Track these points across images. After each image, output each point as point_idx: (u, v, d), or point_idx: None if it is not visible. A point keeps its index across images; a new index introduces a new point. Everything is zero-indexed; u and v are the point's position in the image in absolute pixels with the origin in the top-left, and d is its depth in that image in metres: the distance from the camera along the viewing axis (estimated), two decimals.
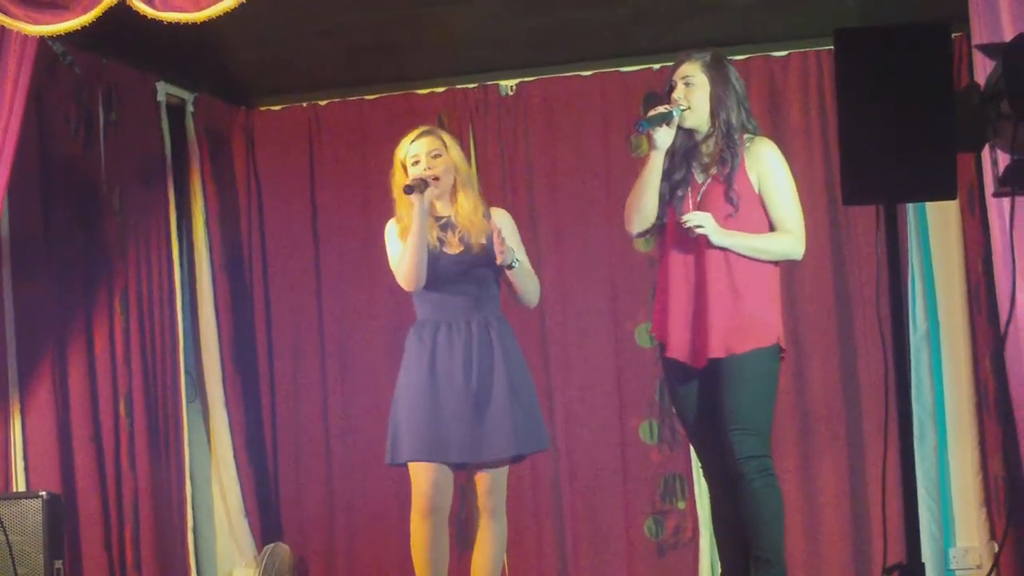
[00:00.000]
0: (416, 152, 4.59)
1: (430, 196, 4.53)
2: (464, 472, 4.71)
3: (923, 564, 3.14)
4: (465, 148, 6.13)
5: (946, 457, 5.79)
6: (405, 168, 4.61)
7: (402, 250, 4.56)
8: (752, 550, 4.26)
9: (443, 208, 4.65)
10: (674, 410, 4.96)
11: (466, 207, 4.60)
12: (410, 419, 4.53)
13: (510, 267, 4.54)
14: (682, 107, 4.37)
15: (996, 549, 5.56)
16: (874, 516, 5.74)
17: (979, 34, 4.84)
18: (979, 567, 5.69)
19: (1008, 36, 4.51)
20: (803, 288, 5.85)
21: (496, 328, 4.58)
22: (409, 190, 4.48)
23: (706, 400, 4.38)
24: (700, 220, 4.28)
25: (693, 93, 4.39)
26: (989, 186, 4.88)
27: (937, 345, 5.83)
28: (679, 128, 4.39)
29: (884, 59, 3.08)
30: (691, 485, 5.95)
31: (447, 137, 4.68)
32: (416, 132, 4.66)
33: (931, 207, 5.81)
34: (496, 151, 6.24)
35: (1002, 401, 5.45)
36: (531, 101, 6.25)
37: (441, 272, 4.55)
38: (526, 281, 4.63)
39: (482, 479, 4.59)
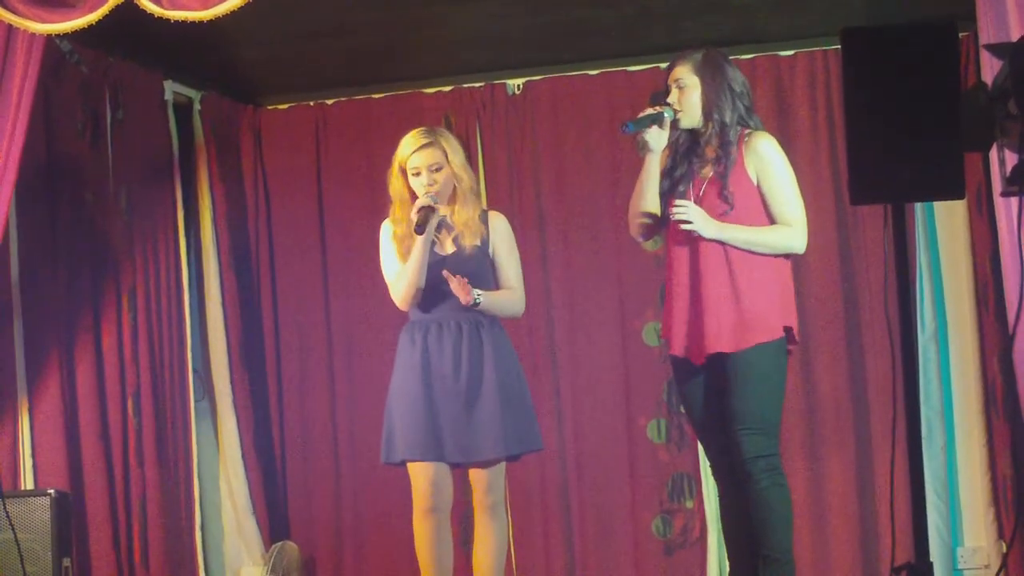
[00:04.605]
0: (417, 164, 4.51)
1: (434, 223, 4.48)
2: (461, 471, 4.67)
3: (931, 564, 3.13)
4: (472, 147, 6.12)
5: (954, 456, 5.78)
6: (404, 172, 4.54)
7: (400, 270, 4.53)
8: (760, 549, 4.25)
9: (440, 209, 4.58)
10: (682, 408, 4.96)
11: (463, 214, 4.56)
12: (404, 419, 4.52)
13: (475, 305, 4.50)
14: (675, 110, 4.36)
15: (1004, 549, 5.56)
16: (882, 516, 5.73)
17: (986, 33, 4.84)
18: (987, 567, 5.68)
19: (1015, 35, 4.49)
20: (811, 288, 5.84)
21: (488, 329, 4.56)
22: (420, 230, 4.42)
23: (712, 398, 4.37)
24: (688, 215, 4.26)
25: (685, 95, 4.37)
26: (997, 186, 4.87)
27: (945, 345, 5.83)
28: (680, 128, 4.40)
29: (891, 59, 3.07)
30: (699, 484, 5.95)
31: (448, 144, 4.56)
32: (417, 139, 4.53)
33: (939, 207, 5.80)
34: (503, 150, 6.24)
35: (1010, 401, 5.44)
36: (538, 100, 6.25)
37: (433, 273, 4.52)
38: (498, 308, 4.58)
39: (479, 478, 4.56)
